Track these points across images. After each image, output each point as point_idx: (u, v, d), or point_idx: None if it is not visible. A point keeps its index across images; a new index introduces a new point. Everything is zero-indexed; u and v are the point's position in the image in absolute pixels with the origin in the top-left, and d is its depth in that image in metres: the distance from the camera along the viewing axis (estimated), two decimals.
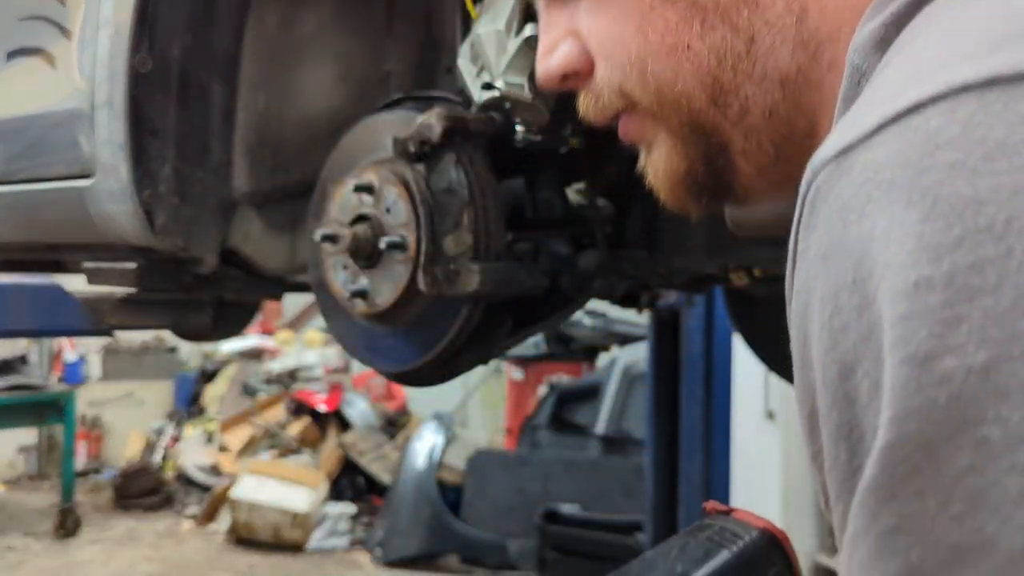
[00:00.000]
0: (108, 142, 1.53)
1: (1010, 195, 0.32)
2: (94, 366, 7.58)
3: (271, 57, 1.64)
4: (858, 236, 0.35)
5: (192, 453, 6.55)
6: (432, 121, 1.17)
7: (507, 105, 1.23)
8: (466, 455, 5.36)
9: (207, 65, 1.58)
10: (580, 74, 0.56)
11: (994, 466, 0.31)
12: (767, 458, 3.47)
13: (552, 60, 0.56)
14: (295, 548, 5.40)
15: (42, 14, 1.68)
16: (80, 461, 6.78)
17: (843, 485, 0.37)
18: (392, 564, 5.07)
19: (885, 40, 0.41)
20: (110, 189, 1.55)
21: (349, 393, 6.75)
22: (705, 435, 3.43)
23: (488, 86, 1.22)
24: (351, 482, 5.94)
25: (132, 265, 1.74)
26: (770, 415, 3.48)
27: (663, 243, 1.31)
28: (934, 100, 0.35)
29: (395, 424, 6.79)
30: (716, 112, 0.50)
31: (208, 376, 7.52)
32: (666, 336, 3.51)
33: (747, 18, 0.48)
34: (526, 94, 1.21)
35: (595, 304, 3.10)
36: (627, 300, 1.82)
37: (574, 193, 1.46)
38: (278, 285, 1.98)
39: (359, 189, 1.25)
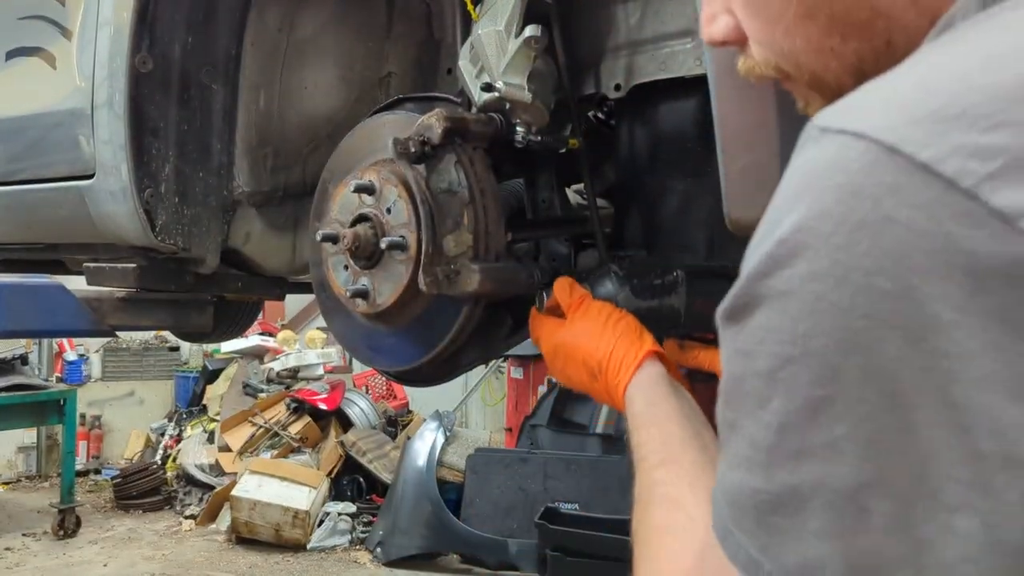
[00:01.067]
0: (108, 142, 1.53)
1: None
2: (94, 366, 7.58)
3: (272, 58, 1.64)
4: None
5: (193, 453, 6.55)
6: (432, 122, 1.17)
7: (507, 106, 1.23)
8: (466, 454, 5.36)
9: (208, 65, 1.58)
10: (738, 43, 0.65)
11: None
12: None
13: (715, 29, 0.65)
14: (296, 547, 5.41)
15: (42, 14, 1.68)
16: (80, 461, 6.78)
17: None
18: (392, 563, 5.07)
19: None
20: (110, 189, 1.55)
21: (350, 392, 6.76)
22: None
23: (488, 87, 1.23)
24: (352, 481, 5.94)
25: (132, 265, 1.74)
26: None
27: (662, 243, 1.31)
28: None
29: (396, 423, 6.79)
30: (857, 80, 0.55)
31: (209, 376, 7.53)
32: None
33: (883, 27, 0.54)
34: (526, 95, 1.21)
35: None
36: None
37: (574, 193, 1.46)
38: (279, 285, 1.99)
39: (360, 189, 1.25)
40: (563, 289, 1.12)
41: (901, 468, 0.40)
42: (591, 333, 1.04)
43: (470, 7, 1.27)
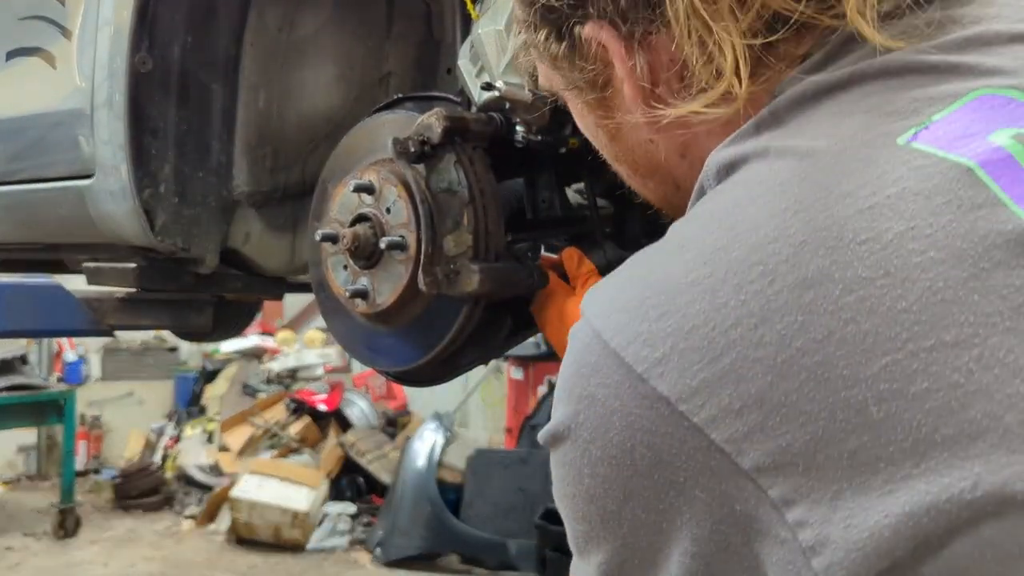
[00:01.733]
0: (108, 142, 1.53)
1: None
2: (94, 366, 7.58)
3: (271, 57, 1.64)
4: None
5: (192, 453, 6.55)
6: (432, 121, 1.17)
7: (507, 105, 1.23)
8: (466, 455, 5.36)
9: (207, 65, 1.58)
10: None
11: None
12: None
13: (542, 81, 0.76)
14: (295, 548, 5.41)
15: (42, 14, 1.67)
16: (80, 461, 6.78)
17: None
18: (392, 564, 5.07)
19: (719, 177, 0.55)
20: (110, 189, 1.55)
21: (349, 393, 6.76)
22: None
23: (488, 86, 1.22)
24: (351, 482, 5.94)
25: (132, 265, 1.74)
26: None
27: None
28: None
29: (395, 424, 6.79)
30: (670, 208, 0.72)
31: (208, 376, 7.52)
32: None
33: (667, 174, 0.67)
34: (526, 94, 1.21)
35: None
36: None
37: (574, 193, 1.46)
38: (278, 285, 1.99)
39: (359, 189, 1.25)
40: (572, 259, 1.18)
41: None
42: None
43: (470, 6, 1.27)
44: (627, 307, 0.49)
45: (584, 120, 0.71)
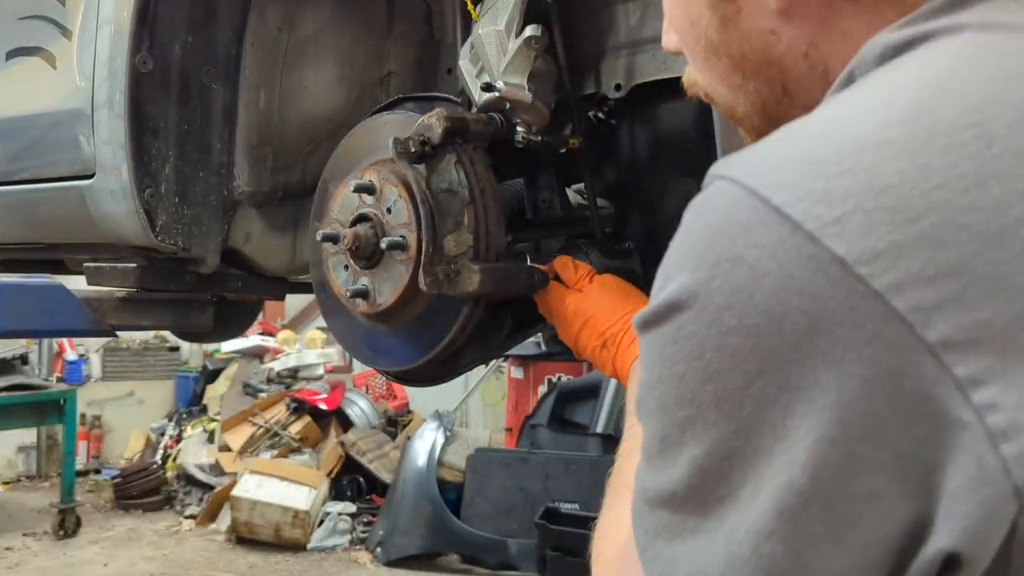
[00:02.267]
0: (109, 142, 1.53)
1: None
2: (94, 366, 7.58)
3: (272, 57, 1.64)
4: None
5: (193, 452, 6.54)
6: (432, 122, 1.17)
7: (507, 105, 1.23)
8: (466, 454, 5.36)
9: (208, 65, 1.58)
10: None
11: None
12: None
13: (667, 40, 0.69)
14: (296, 547, 5.41)
15: (42, 14, 1.67)
16: (80, 461, 6.78)
17: None
18: (392, 563, 5.07)
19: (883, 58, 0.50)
20: (111, 189, 1.55)
21: (350, 392, 6.76)
22: None
23: (488, 87, 1.23)
24: (352, 481, 5.94)
25: (132, 265, 1.74)
26: None
27: (663, 242, 1.31)
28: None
29: (396, 423, 6.79)
30: (764, 119, 0.63)
31: (209, 376, 7.52)
32: None
33: (776, 74, 0.59)
34: (526, 95, 1.21)
35: None
36: None
37: (574, 193, 1.46)
38: (279, 285, 1.98)
39: (360, 189, 1.25)
40: (566, 266, 1.19)
41: (741, 486, 0.44)
42: (609, 303, 1.11)
43: (470, 7, 1.27)
44: (795, 164, 0.44)
45: None
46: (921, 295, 0.40)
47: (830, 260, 0.41)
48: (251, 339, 7.32)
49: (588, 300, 1.13)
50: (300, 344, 7.52)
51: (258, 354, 7.35)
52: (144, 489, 6.35)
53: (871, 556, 0.42)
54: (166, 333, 6.91)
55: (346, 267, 1.29)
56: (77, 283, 2.02)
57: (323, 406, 6.42)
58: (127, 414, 7.53)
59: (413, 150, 1.18)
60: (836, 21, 0.55)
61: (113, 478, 6.61)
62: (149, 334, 7.56)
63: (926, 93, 0.44)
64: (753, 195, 0.43)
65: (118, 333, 2.29)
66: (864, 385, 0.40)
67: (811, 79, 0.57)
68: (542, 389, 5.68)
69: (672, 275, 0.46)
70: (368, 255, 1.24)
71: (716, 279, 0.43)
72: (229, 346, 7.26)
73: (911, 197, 0.40)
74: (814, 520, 0.42)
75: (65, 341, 7.30)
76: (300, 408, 6.47)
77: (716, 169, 0.47)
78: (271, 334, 7.78)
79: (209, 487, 6.18)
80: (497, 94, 1.22)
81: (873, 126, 0.43)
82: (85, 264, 1.86)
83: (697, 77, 0.66)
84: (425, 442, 5.45)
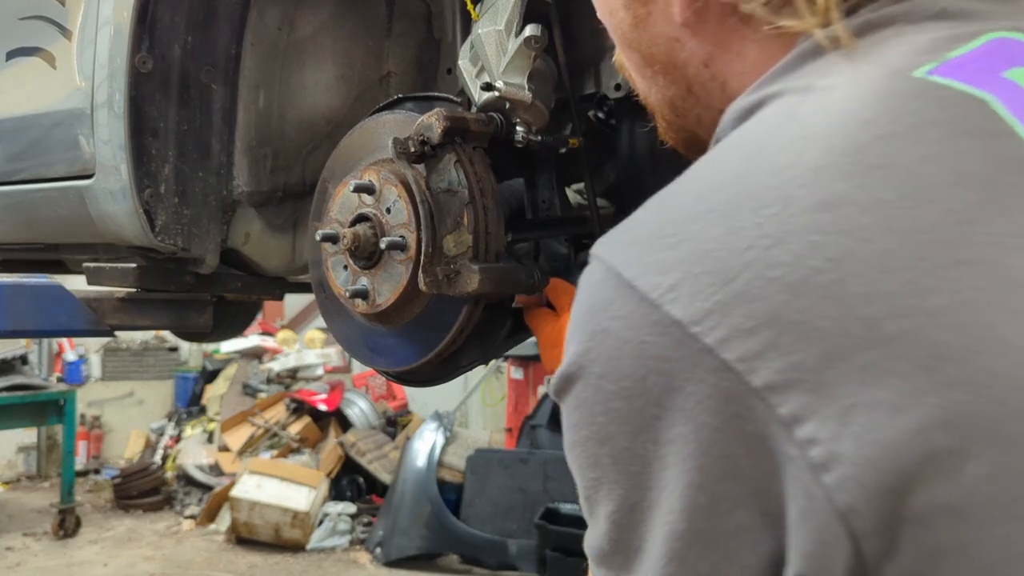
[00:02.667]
0: (108, 142, 1.53)
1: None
2: (94, 366, 7.58)
3: (271, 57, 1.64)
4: None
5: (192, 453, 6.55)
6: (432, 121, 1.17)
7: (507, 105, 1.23)
8: (466, 454, 5.36)
9: (207, 65, 1.58)
10: None
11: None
12: None
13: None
14: (295, 547, 5.41)
15: (42, 14, 1.67)
16: (80, 461, 6.79)
17: None
18: (392, 563, 5.07)
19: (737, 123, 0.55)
20: (110, 189, 1.55)
21: (349, 392, 6.76)
22: None
23: (488, 86, 1.22)
24: (351, 481, 5.94)
25: (132, 265, 1.74)
26: None
27: None
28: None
29: (395, 423, 6.79)
30: (673, 112, 0.70)
31: (208, 376, 7.53)
32: None
33: (680, 76, 0.66)
34: (526, 94, 1.21)
35: None
36: None
37: (574, 193, 1.46)
38: (278, 285, 1.99)
39: (359, 189, 1.25)
40: (555, 290, 1.22)
41: (646, 537, 0.49)
42: None
43: (470, 7, 1.27)
44: (641, 240, 0.50)
45: None
46: (744, 346, 0.44)
47: (670, 323, 0.46)
48: (250, 339, 7.33)
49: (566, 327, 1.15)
50: (300, 344, 7.52)
51: (257, 354, 7.36)
52: (144, 489, 6.35)
53: None
54: (165, 333, 6.92)
55: (345, 267, 1.29)
56: (77, 283, 2.02)
57: (323, 406, 6.43)
58: (127, 414, 7.54)
59: (412, 150, 1.18)
60: (731, 42, 0.61)
61: (113, 478, 6.62)
62: (148, 334, 7.56)
63: (738, 161, 0.49)
64: (612, 272, 0.49)
65: (117, 333, 2.29)
66: (714, 433, 0.45)
67: (712, 87, 0.63)
68: (542, 389, 5.68)
69: (567, 348, 0.51)
70: (367, 255, 1.24)
71: (592, 350, 0.49)
72: (228, 346, 7.26)
73: (727, 260, 0.45)
74: (698, 560, 0.47)
75: (65, 341, 7.30)
76: (300, 408, 6.48)
77: (594, 247, 0.53)
78: (271, 334, 7.78)
79: (208, 487, 6.18)
80: (497, 94, 1.22)
81: (696, 196, 0.49)
82: (85, 264, 1.86)
83: (622, 61, 0.71)
84: (425, 442, 5.45)
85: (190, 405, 7.41)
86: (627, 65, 0.70)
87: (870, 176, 0.45)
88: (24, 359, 5.86)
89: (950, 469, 0.40)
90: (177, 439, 6.99)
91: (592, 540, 0.53)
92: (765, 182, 0.47)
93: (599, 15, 0.70)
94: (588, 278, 0.51)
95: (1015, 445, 0.40)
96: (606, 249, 0.51)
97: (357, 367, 7.14)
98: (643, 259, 0.48)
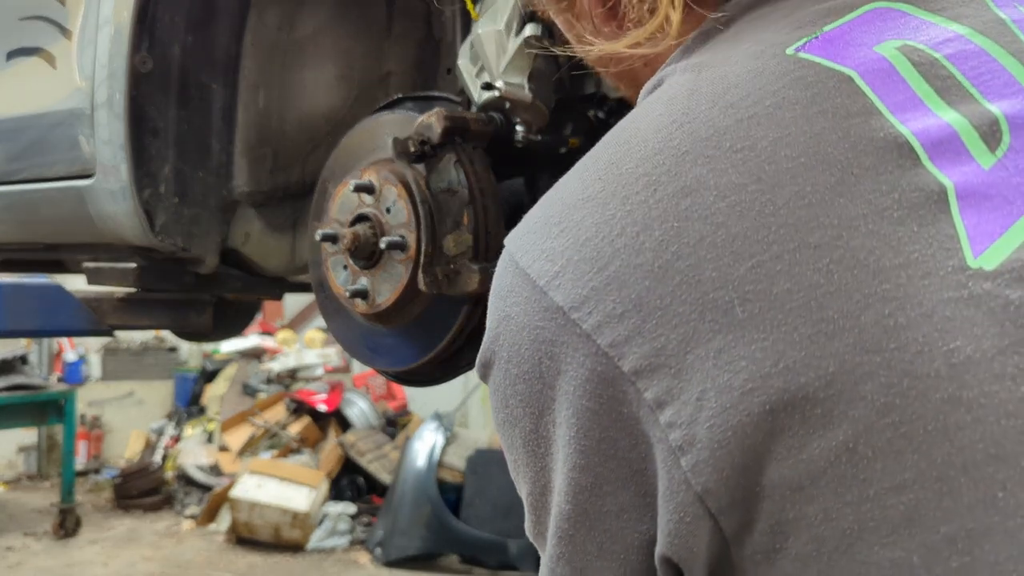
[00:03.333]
0: (108, 142, 1.53)
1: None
2: (94, 366, 7.58)
3: (271, 57, 1.64)
4: None
5: (192, 453, 6.54)
6: (432, 121, 1.17)
7: (507, 105, 1.23)
8: (466, 455, 5.36)
9: (207, 65, 1.58)
10: None
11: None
12: None
13: None
14: (295, 548, 5.41)
15: (42, 14, 1.67)
16: (80, 461, 6.78)
17: None
18: (392, 564, 5.07)
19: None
20: (110, 189, 1.55)
21: (349, 393, 6.75)
22: None
23: (488, 86, 1.22)
24: (351, 482, 5.94)
25: (132, 265, 1.74)
26: None
27: None
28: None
29: (395, 424, 6.79)
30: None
31: (208, 376, 7.52)
32: None
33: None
34: (526, 94, 1.21)
35: None
36: None
37: None
38: (278, 285, 1.98)
39: (359, 189, 1.25)
40: None
41: (546, 516, 0.51)
42: None
43: (470, 6, 1.27)
44: (534, 228, 0.51)
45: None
46: (615, 331, 0.45)
47: (556, 309, 0.47)
48: (250, 339, 7.32)
49: None
50: (299, 344, 7.52)
51: (257, 354, 7.35)
52: (144, 489, 6.35)
53: (634, 564, 0.48)
54: (165, 333, 6.92)
55: (345, 267, 1.29)
56: (77, 283, 2.02)
57: (322, 407, 6.42)
58: (127, 414, 7.53)
59: (413, 150, 1.18)
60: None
61: (113, 478, 6.61)
62: (148, 334, 7.56)
63: (616, 147, 0.50)
64: (512, 259, 0.51)
65: (117, 333, 2.29)
66: (593, 416, 0.46)
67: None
68: None
69: (485, 335, 0.53)
70: (367, 255, 1.24)
71: (500, 336, 0.50)
72: (228, 346, 7.26)
73: (602, 246, 0.47)
74: (585, 540, 0.48)
75: (65, 341, 7.30)
76: (299, 409, 6.47)
77: (506, 238, 0.55)
78: (270, 334, 7.78)
79: (208, 487, 6.18)
80: (497, 93, 1.22)
81: (580, 184, 0.51)
82: (85, 264, 1.86)
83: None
84: (425, 443, 5.45)
85: (190, 405, 7.40)
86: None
87: (728, 160, 0.46)
88: (24, 359, 5.86)
89: (793, 447, 0.41)
90: (177, 439, 6.99)
91: (526, 522, 0.55)
92: (636, 169, 0.48)
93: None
94: (499, 266, 0.53)
95: (852, 425, 0.40)
96: (511, 238, 0.53)
97: (357, 367, 7.14)
98: (535, 247, 0.50)
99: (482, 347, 0.53)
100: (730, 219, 0.44)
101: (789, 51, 0.49)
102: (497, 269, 0.53)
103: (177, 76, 1.55)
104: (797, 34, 0.50)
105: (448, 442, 5.51)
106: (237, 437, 6.39)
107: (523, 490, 0.53)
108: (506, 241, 0.53)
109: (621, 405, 0.45)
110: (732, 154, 0.46)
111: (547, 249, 0.49)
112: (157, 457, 6.85)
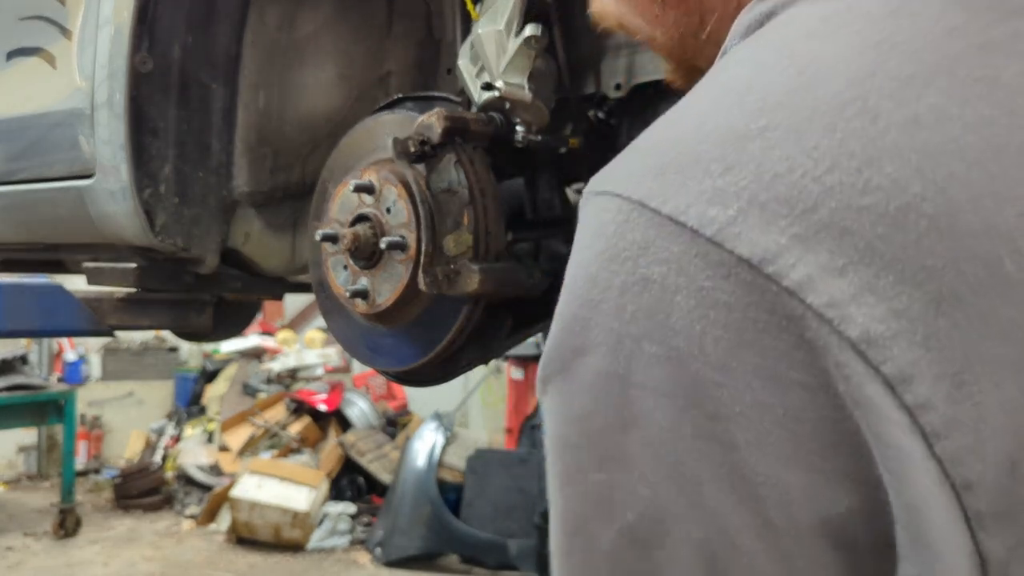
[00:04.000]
0: (108, 142, 1.53)
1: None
2: (94, 366, 7.58)
3: (271, 57, 1.64)
4: None
5: (192, 453, 6.55)
6: (432, 121, 1.17)
7: (507, 105, 1.23)
8: (466, 455, 5.36)
9: (207, 65, 1.58)
10: None
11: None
12: None
13: None
14: (295, 548, 5.41)
15: (42, 14, 1.67)
16: (80, 461, 6.79)
17: None
18: (392, 564, 5.07)
19: (748, 33, 0.47)
20: (110, 189, 1.55)
21: (349, 393, 6.76)
22: None
23: (488, 86, 1.22)
24: (351, 482, 5.94)
25: (132, 265, 1.74)
26: None
27: None
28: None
29: (395, 424, 6.79)
30: (686, 53, 0.60)
31: (208, 376, 7.53)
32: None
33: (695, 5, 0.56)
34: (526, 94, 1.21)
35: None
36: None
37: (574, 193, 1.46)
38: (278, 285, 1.99)
39: (359, 189, 1.25)
40: None
41: (692, 554, 0.38)
42: None
43: (470, 6, 1.27)
44: (676, 167, 0.40)
45: None
46: (835, 288, 0.36)
47: (736, 263, 0.37)
48: (250, 339, 7.33)
49: None
50: (300, 344, 7.52)
51: (257, 354, 7.36)
52: (144, 489, 6.35)
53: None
54: (165, 333, 6.91)
55: (345, 267, 1.29)
56: (77, 283, 2.02)
57: (323, 407, 6.43)
58: (127, 414, 7.54)
59: (413, 150, 1.18)
60: None
61: (113, 478, 6.62)
62: (148, 334, 7.56)
63: (797, 70, 0.40)
64: (641, 207, 0.40)
65: (117, 333, 2.29)
66: (806, 392, 0.37)
67: (727, 14, 0.53)
68: None
69: (569, 324, 0.42)
70: (367, 255, 1.24)
71: (627, 308, 0.39)
72: (228, 346, 7.26)
73: (804, 184, 0.37)
74: (800, 556, 0.39)
75: (65, 341, 7.30)
76: (299, 408, 6.48)
77: (593, 184, 0.43)
78: (270, 334, 7.78)
79: (208, 487, 6.18)
80: (497, 93, 1.22)
81: (749, 112, 0.40)
82: (85, 264, 1.86)
83: (610, 7, 0.62)
84: (425, 443, 5.45)
85: (190, 405, 7.40)
86: (622, 9, 0.60)
87: (970, 89, 0.38)
88: (24, 359, 5.86)
89: None
90: (177, 439, 6.99)
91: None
92: (841, 93, 0.39)
93: None
94: (598, 220, 0.42)
95: None
96: (620, 182, 0.42)
97: (357, 367, 7.14)
98: (686, 188, 0.39)
99: (563, 341, 0.41)
100: (985, 155, 0.37)
101: None
102: (595, 225, 0.42)
103: (177, 76, 1.55)
104: None
105: (448, 442, 5.51)
106: (237, 437, 6.39)
107: (620, 512, 0.40)
108: (605, 188, 0.42)
109: (837, 381, 0.36)
110: (972, 83, 0.38)
111: (709, 190, 0.38)
112: (157, 457, 6.85)
